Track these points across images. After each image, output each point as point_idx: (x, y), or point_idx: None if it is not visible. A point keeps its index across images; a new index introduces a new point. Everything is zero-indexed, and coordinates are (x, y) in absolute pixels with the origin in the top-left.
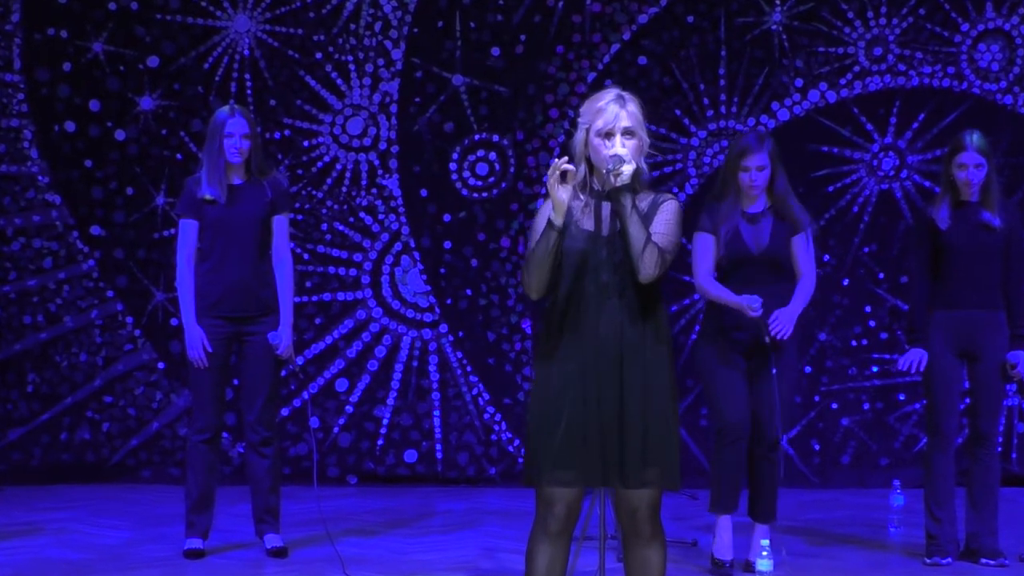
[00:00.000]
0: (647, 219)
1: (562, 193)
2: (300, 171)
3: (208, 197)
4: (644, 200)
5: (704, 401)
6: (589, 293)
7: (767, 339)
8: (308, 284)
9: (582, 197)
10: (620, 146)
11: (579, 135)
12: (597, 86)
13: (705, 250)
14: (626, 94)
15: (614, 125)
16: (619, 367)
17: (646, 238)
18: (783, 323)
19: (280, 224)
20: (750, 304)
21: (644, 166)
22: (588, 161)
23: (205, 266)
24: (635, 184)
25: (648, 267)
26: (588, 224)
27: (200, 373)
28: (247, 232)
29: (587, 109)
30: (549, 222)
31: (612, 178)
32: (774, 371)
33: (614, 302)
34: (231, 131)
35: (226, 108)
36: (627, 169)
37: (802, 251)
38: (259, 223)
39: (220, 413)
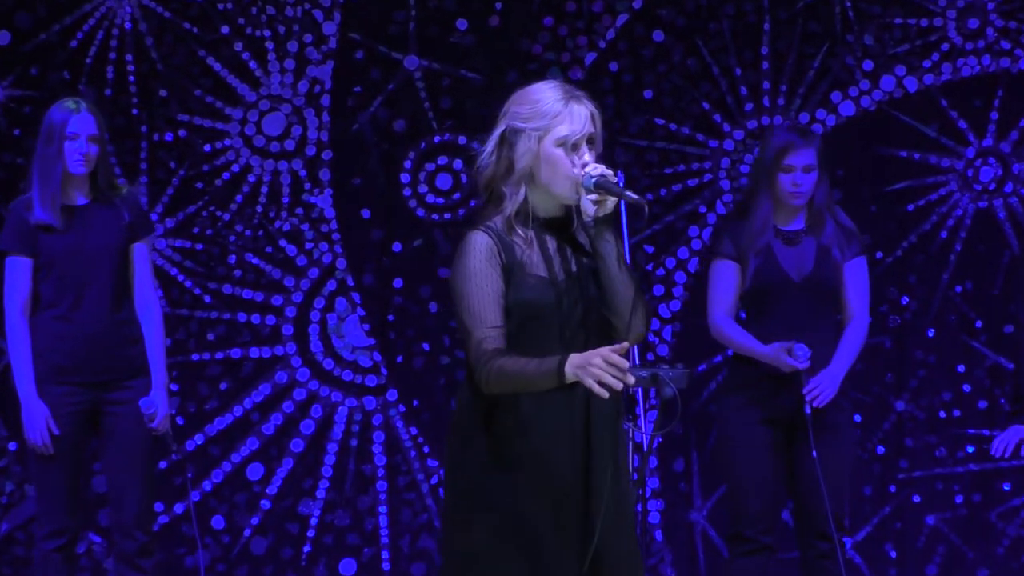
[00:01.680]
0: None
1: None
2: (200, 184)
3: (43, 223)
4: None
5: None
6: None
7: (807, 409)
8: (210, 336)
9: (519, 230)
10: (589, 159)
11: (527, 144)
12: (599, 70)
13: (725, 283)
14: (574, 87)
15: (583, 132)
16: (588, 473)
17: (636, 286)
18: (824, 388)
19: (141, 254)
20: (794, 354)
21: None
22: (529, 179)
23: (47, 317)
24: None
25: (641, 325)
26: (538, 267)
27: (46, 462)
28: (102, 268)
29: (533, 110)
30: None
31: (592, 206)
32: (815, 453)
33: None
34: (75, 131)
35: (68, 101)
36: (613, 195)
37: (857, 282)
38: (117, 255)
39: (76, 512)
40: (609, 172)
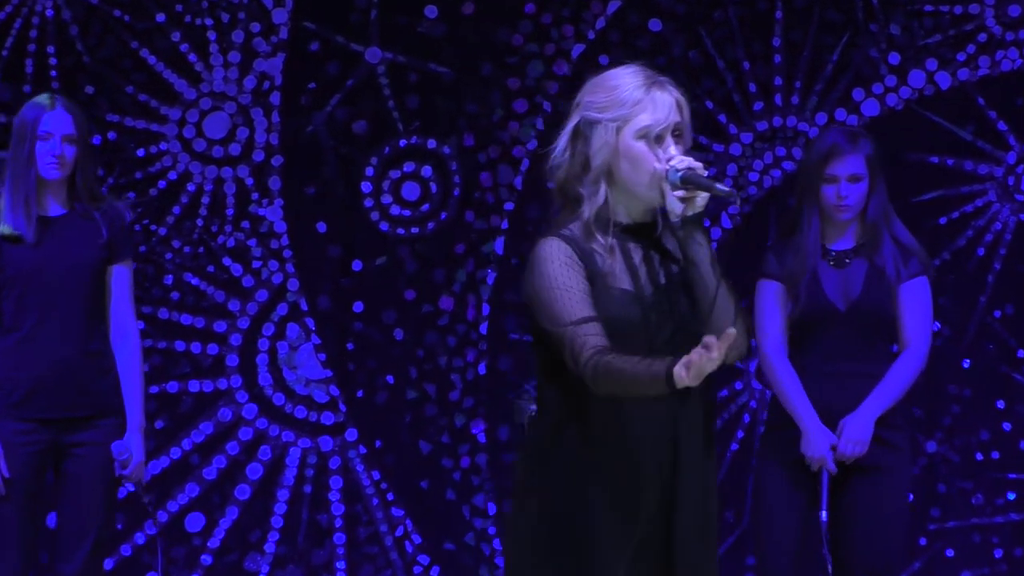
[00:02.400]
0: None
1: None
2: (132, 194)
3: (9, 232)
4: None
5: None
6: None
7: (828, 470)
8: (145, 368)
9: (600, 237)
10: (675, 153)
11: (604, 136)
12: (587, 65)
13: (772, 306)
14: (660, 76)
15: (668, 122)
16: (671, 510)
17: (735, 297)
18: (854, 438)
19: (121, 278)
20: (821, 453)
21: None
22: (608, 178)
23: (6, 342)
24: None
25: (742, 342)
26: (622, 279)
27: None
28: (71, 289)
29: (610, 99)
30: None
31: (680, 204)
32: (824, 516)
33: (669, 405)
34: (48, 130)
35: (43, 97)
36: (703, 189)
37: (914, 305)
38: (90, 275)
39: (31, 562)
40: (698, 164)
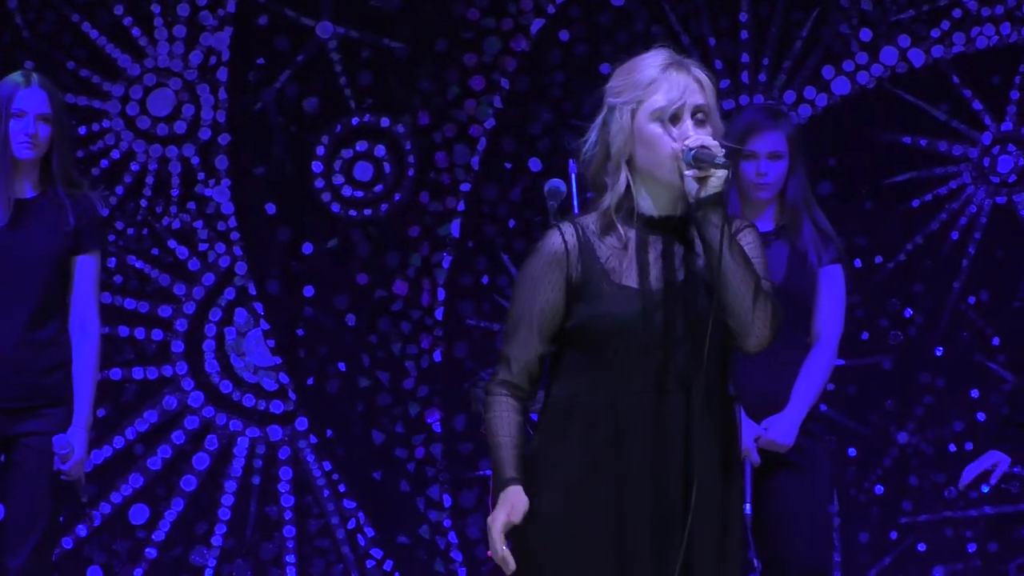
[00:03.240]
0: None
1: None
2: (75, 174)
3: None
4: None
5: None
6: (634, 388)
7: (753, 457)
8: None
9: (618, 231)
10: (694, 135)
11: (619, 121)
12: (547, 41)
13: None
14: (683, 57)
15: (683, 101)
16: (685, 515)
17: (755, 278)
18: (780, 436)
19: (85, 269)
20: (743, 445)
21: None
22: (630, 165)
23: None
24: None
25: (764, 326)
26: (628, 276)
27: None
28: (32, 276)
29: (626, 82)
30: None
31: (697, 184)
32: (748, 509)
33: (676, 402)
34: (21, 107)
35: (17, 74)
36: (721, 171)
37: (829, 294)
38: (52, 264)
39: None
40: (712, 142)
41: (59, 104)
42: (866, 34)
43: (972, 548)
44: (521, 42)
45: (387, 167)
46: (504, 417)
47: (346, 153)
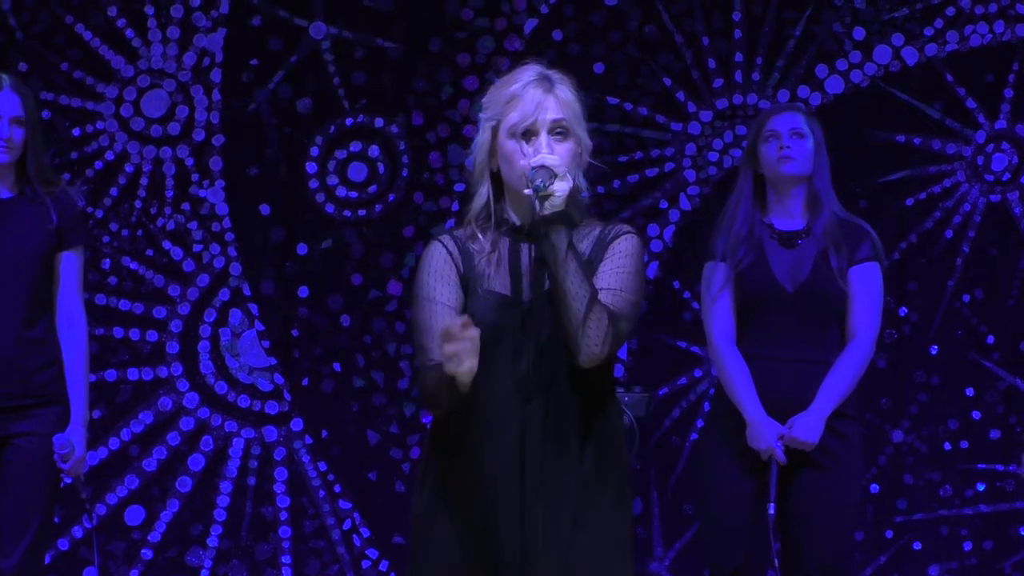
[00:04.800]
0: (591, 266)
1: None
2: (67, 175)
3: None
4: (586, 237)
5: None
6: (498, 392)
7: (778, 455)
8: None
9: (482, 238)
10: (546, 151)
11: (481, 137)
12: (541, 40)
13: (718, 289)
14: (553, 72)
15: (536, 118)
16: (535, 517)
17: (590, 296)
18: (805, 434)
19: (70, 265)
20: (768, 444)
21: (583, 182)
22: (495, 179)
23: None
24: (570, 212)
25: (593, 344)
26: (500, 282)
27: None
28: (19, 275)
29: (492, 98)
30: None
31: (537, 203)
32: (772, 508)
33: (536, 405)
34: None
35: None
36: (560, 186)
37: (863, 294)
38: (35, 262)
39: None
40: (553, 160)
41: (31, 105)
42: (859, 33)
43: (968, 546)
44: (515, 42)
45: (381, 167)
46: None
47: (340, 153)
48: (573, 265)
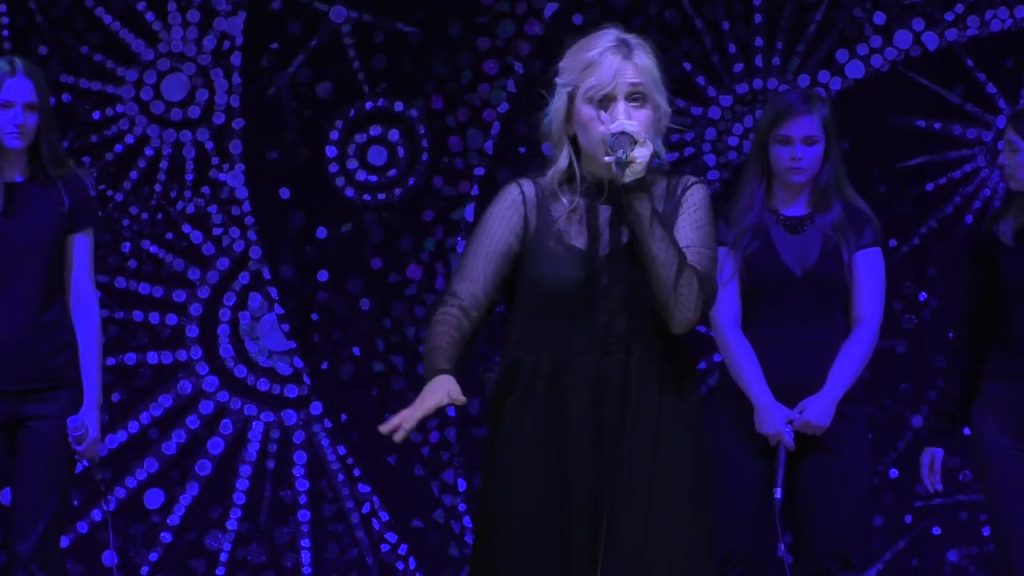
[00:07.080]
0: (667, 225)
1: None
2: (87, 159)
3: None
4: (656, 192)
5: None
6: (576, 349)
7: (787, 440)
8: (103, 339)
9: (565, 199)
10: (624, 117)
11: (557, 103)
12: (560, 25)
13: (725, 274)
14: (631, 37)
15: (614, 85)
16: (620, 471)
17: (678, 262)
18: (816, 418)
19: (82, 247)
20: (776, 429)
21: (662, 148)
22: (574, 143)
23: None
24: (649, 177)
25: (686, 308)
26: (577, 238)
27: None
28: (31, 260)
29: (569, 63)
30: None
31: (618, 169)
32: (779, 493)
33: (617, 362)
34: (9, 97)
35: (2, 62)
36: (641, 152)
37: (867, 277)
38: (49, 245)
39: None
40: (634, 126)
41: (44, 90)
42: (880, 17)
43: (987, 531)
44: (535, 26)
45: (401, 151)
46: (441, 331)
47: (360, 137)
48: (659, 231)
